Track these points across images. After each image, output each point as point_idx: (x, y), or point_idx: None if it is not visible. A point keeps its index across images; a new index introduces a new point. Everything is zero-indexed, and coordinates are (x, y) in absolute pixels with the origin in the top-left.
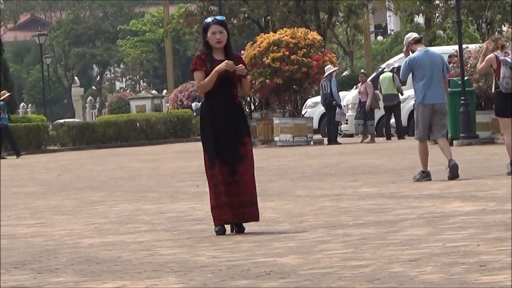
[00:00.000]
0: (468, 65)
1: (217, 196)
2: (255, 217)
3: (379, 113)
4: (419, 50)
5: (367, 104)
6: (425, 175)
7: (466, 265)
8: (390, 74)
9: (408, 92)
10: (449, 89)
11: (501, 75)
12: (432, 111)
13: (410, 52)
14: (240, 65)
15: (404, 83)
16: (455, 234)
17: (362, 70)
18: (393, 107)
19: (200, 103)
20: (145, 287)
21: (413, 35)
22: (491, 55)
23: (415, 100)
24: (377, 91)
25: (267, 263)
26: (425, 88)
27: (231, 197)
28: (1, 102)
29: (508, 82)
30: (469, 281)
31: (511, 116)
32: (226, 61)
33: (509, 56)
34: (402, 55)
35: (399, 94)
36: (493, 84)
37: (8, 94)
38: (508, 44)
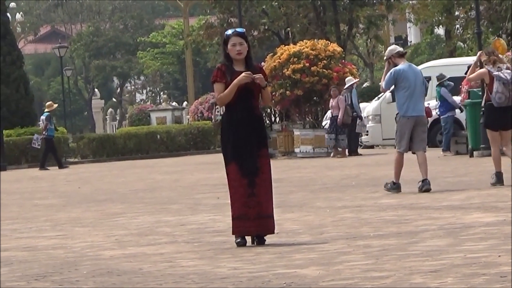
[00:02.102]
0: None
1: (238, 207)
2: (270, 230)
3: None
4: (403, 63)
5: (339, 118)
6: (396, 187)
7: (487, 276)
8: None
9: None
10: (469, 100)
11: (494, 90)
12: (414, 123)
13: (393, 65)
14: (259, 74)
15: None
16: (476, 245)
17: (333, 86)
18: None
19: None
20: None
21: (397, 48)
22: (483, 69)
23: (397, 113)
24: (348, 106)
25: (288, 275)
26: (408, 101)
27: (249, 209)
28: (47, 113)
29: (500, 97)
30: None
31: (499, 130)
32: (244, 72)
33: (502, 72)
34: (421, 66)
35: None
36: (484, 97)
37: (55, 105)
38: (501, 58)
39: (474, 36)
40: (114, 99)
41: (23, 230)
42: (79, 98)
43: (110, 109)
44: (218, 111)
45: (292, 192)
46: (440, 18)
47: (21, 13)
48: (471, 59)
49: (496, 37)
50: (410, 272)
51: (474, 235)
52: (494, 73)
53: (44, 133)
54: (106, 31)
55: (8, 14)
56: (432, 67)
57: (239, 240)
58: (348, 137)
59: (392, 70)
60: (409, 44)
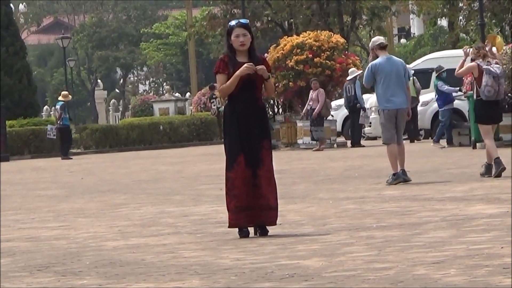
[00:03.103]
0: None
1: (230, 200)
2: (271, 221)
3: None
4: (382, 56)
5: (315, 111)
6: (396, 177)
7: (489, 267)
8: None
9: (431, 95)
10: (472, 91)
11: (483, 84)
12: (395, 115)
13: (375, 56)
14: (262, 66)
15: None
16: (479, 236)
17: (314, 78)
18: (412, 109)
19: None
20: None
21: (379, 40)
22: (473, 63)
23: (378, 106)
24: (329, 100)
25: (291, 266)
26: (387, 94)
27: (253, 200)
28: (62, 102)
29: (490, 91)
30: (493, 284)
31: (491, 123)
32: (246, 64)
33: (492, 66)
34: (424, 58)
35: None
36: (474, 92)
37: (69, 94)
38: (490, 53)
39: (477, 27)
40: (117, 90)
41: (26, 220)
42: (82, 89)
43: (113, 100)
44: (214, 104)
45: (295, 184)
46: (443, 9)
47: (24, 3)
48: None
49: (498, 33)
50: (413, 263)
51: (477, 226)
52: (484, 67)
53: (59, 122)
54: (109, 22)
55: (11, 5)
56: (435, 59)
57: (242, 231)
58: (351, 129)
59: (369, 65)
60: (412, 35)
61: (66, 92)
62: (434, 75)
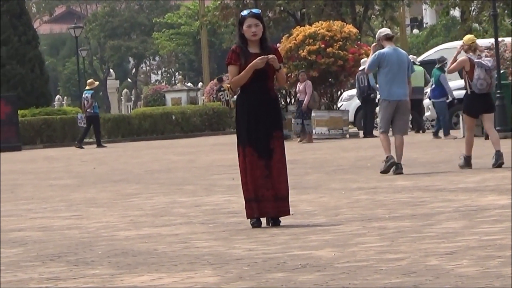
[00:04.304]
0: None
1: (243, 191)
2: (283, 212)
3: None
4: (388, 47)
5: (304, 103)
6: (387, 160)
7: (502, 258)
8: (421, 68)
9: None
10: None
11: (475, 77)
12: (396, 107)
13: (380, 47)
14: (273, 55)
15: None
16: (491, 227)
17: (301, 70)
18: (419, 101)
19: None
20: (181, 280)
21: (386, 31)
22: (464, 57)
23: (379, 95)
24: (315, 92)
25: (303, 256)
26: (389, 84)
27: (266, 191)
28: (92, 91)
29: (482, 84)
30: (505, 275)
31: (482, 113)
32: (259, 57)
33: (483, 59)
34: (437, 48)
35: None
36: (467, 85)
37: (96, 82)
38: (481, 47)
39: (490, 18)
40: (129, 80)
41: (38, 210)
42: (94, 79)
43: (125, 90)
44: (223, 96)
45: (307, 174)
46: (456, 0)
47: None
48: (487, 41)
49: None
50: (425, 254)
51: (489, 217)
52: (475, 60)
53: (89, 110)
54: (122, 12)
55: None
56: (448, 49)
57: (254, 221)
58: (364, 119)
59: (376, 52)
60: (424, 25)
61: (91, 80)
62: (437, 66)
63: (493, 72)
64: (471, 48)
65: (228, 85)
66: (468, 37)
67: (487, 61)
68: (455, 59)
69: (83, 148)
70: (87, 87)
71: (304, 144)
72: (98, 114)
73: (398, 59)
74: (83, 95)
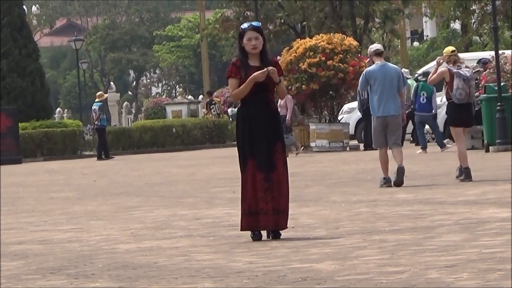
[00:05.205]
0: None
1: (242, 203)
2: (280, 226)
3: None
4: (376, 63)
5: (287, 118)
6: (386, 181)
7: (502, 271)
8: (413, 81)
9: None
10: (485, 95)
11: (454, 87)
12: (384, 123)
13: (372, 63)
14: (272, 67)
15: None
16: (492, 240)
17: None
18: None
19: (236, 109)
20: None
21: (375, 46)
22: (444, 68)
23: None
24: (296, 106)
25: (303, 269)
26: (379, 101)
27: (266, 204)
28: (100, 103)
29: (461, 93)
30: None
31: (463, 126)
32: (260, 71)
33: (462, 69)
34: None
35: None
36: (445, 96)
37: (106, 95)
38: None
39: (490, 30)
40: (129, 92)
41: (39, 223)
42: (94, 91)
43: (126, 103)
44: (214, 110)
45: (307, 186)
46: (456, 12)
47: (37, 5)
48: (487, 54)
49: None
50: (425, 267)
51: (490, 230)
52: (454, 71)
53: (96, 123)
54: (122, 24)
55: (24, 7)
56: None
57: (254, 234)
58: (364, 131)
59: (364, 71)
60: (425, 38)
61: (101, 92)
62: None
63: (471, 82)
64: (451, 59)
65: (218, 99)
66: (448, 48)
67: (466, 71)
68: (435, 71)
69: (113, 157)
70: (96, 100)
71: (304, 156)
72: (105, 127)
73: (385, 74)
74: (92, 107)
